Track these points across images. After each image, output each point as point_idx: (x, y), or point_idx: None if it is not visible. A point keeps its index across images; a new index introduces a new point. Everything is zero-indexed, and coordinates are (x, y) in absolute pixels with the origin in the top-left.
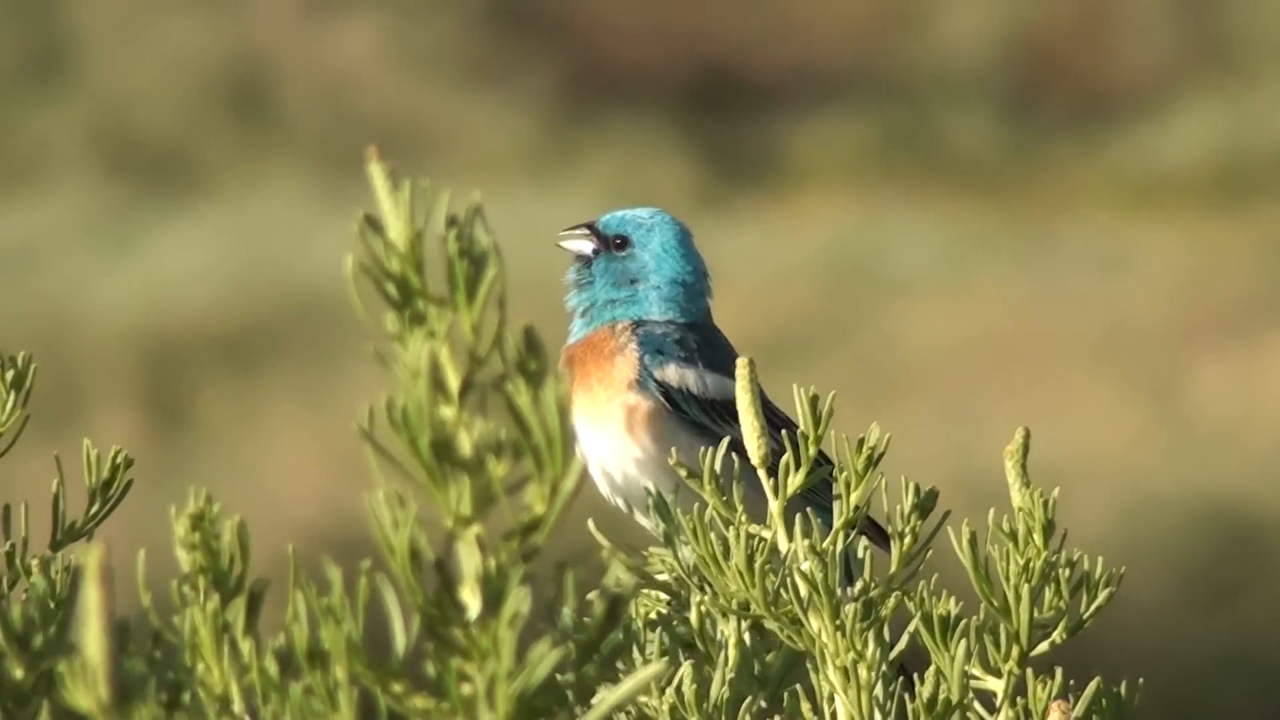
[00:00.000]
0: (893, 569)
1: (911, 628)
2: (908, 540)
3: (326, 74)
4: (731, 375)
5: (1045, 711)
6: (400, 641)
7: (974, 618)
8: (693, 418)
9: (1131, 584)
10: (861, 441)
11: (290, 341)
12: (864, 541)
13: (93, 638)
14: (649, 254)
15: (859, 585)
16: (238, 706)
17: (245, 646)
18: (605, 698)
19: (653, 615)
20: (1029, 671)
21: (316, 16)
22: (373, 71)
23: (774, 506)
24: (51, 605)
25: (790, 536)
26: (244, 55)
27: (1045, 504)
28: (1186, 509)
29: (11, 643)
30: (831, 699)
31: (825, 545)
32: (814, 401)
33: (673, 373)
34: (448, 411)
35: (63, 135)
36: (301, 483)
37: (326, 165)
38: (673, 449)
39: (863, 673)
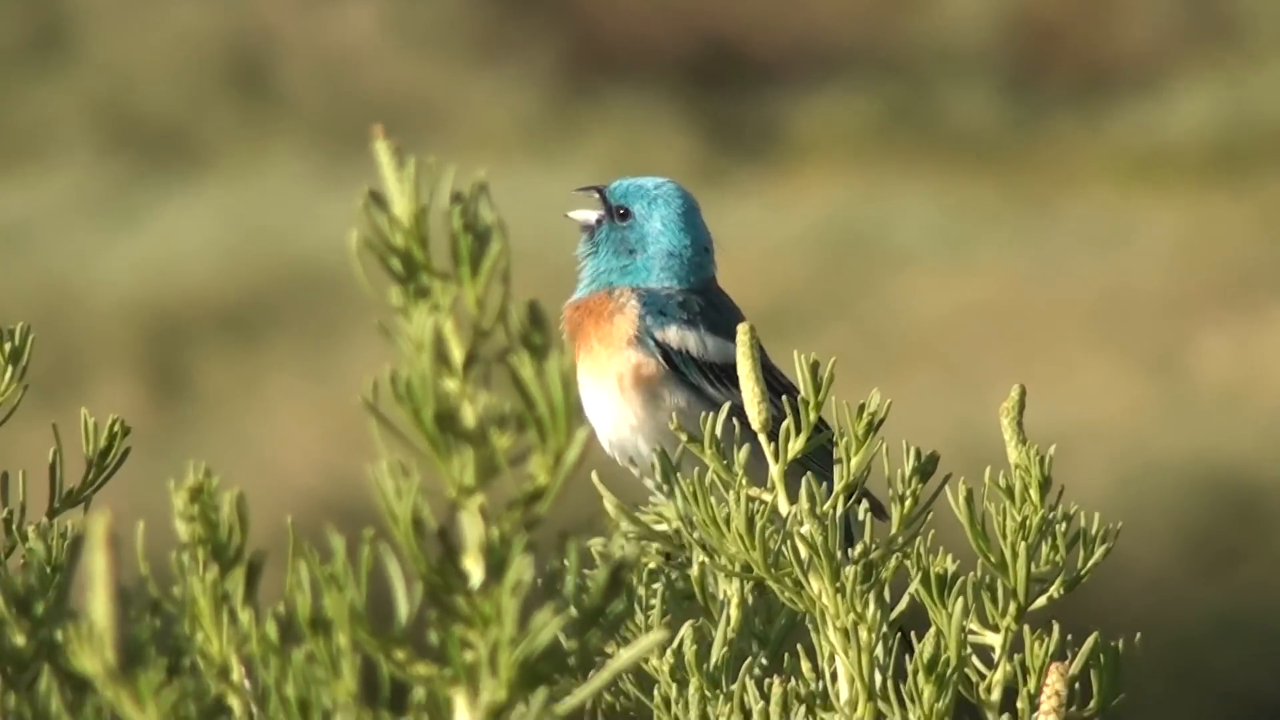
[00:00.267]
0: (893, 531)
1: (912, 588)
2: (908, 503)
3: (328, 49)
4: (734, 339)
5: (1043, 669)
6: (403, 609)
7: (971, 575)
8: (691, 380)
9: (1132, 549)
10: (862, 407)
11: (290, 314)
12: (864, 505)
13: (99, 603)
14: (649, 227)
15: (859, 548)
16: (236, 675)
17: (244, 616)
18: (609, 663)
19: (651, 566)
20: (1026, 628)
21: None
22: (374, 47)
23: (774, 471)
24: (49, 571)
25: (791, 500)
26: (245, 31)
27: (1041, 461)
28: (1187, 475)
29: (12, 608)
30: (832, 659)
31: (825, 508)
32: (814, 367)
33: (673, 334)
34: (451, 384)
35: (65, 111)
36: (301, 452)
37: (328, 140)
38: (672, 414)
39: (863, 634)
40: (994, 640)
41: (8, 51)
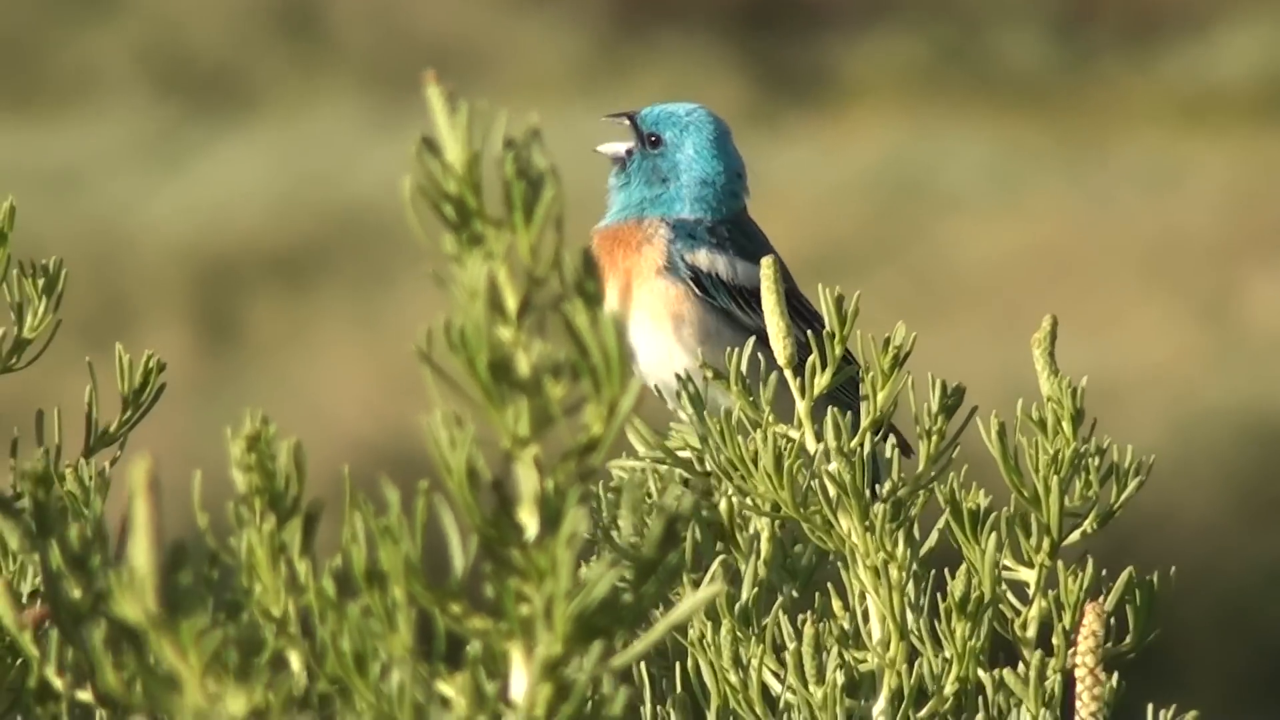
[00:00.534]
0: (920, 467)
1: (941, 523)
2: (934, 439)
3: None
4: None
5: (1078, 604)
6: (458, 562)
7: (1004, 510)
8: (720, 304)
9: (1182, 497)
10: (888, 341)
11: (339, 258)
12: (891, 440)
13: (140, 550)
14: (681, 154)
15: (887, 485)
16: (294, 628)
17: (302, 568)
18: (666, 615)
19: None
20: (1060, 564)
21: None
22: None
23: (801, 407)
24: (85, 513)
25: (818, 437)
26: None
27: (1074, 393)
28: (1238, 422)
29: (69, 562)
30: (863, 598)
31: (853, 445)
32: (839, 301)
33: (703, 257)
34: (505, 332)
35: (115, 55)
36: (351, 398)
37: (376, 83)
38: (698, 349)
39: (893, 572)
40: (1028, 576)
41: None
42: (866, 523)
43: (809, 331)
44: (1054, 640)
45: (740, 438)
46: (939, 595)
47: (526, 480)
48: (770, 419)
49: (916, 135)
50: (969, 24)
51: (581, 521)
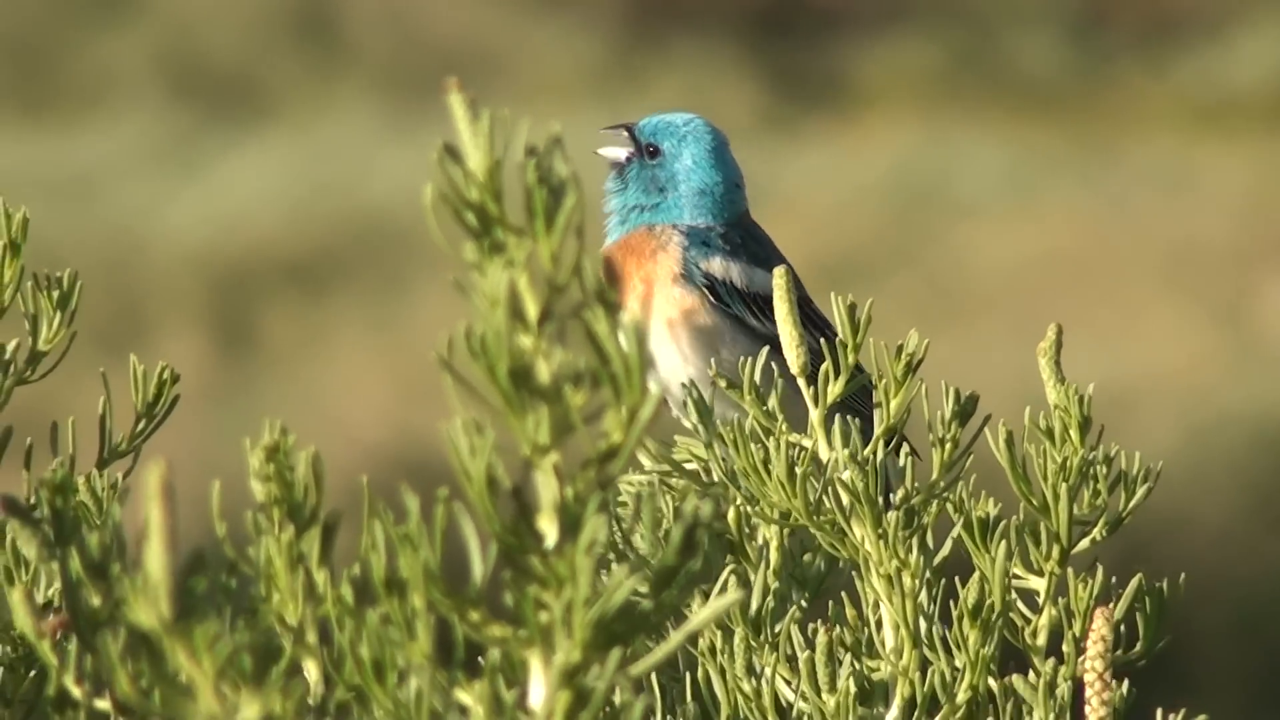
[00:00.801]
0: (934, 476)
1: (955, 533)
2: (948, 447)
3: None
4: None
5: (1088, 612)
6: (478, 569)
7: (1014, 518)
8: (735, 312)
9: (1198, 503)
10: (900, 348)
11: (355, 265)
12: (905, 449)
13: (154, 555)
14: (679, 165)
15: (900, 493)
16: (312, 637)
17: (320, 577)
18: (687, 622)
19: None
20: (1070, 572)
21: None
22: None
23: (814, 415)
24: (98, 523)
25: (831, 445)
26: None
27: (1081, 400)
28: (1254, 428)
29: (89, 570)
30: (876, 605)
31: (865, 454)
32: (852, 309)
33: (718, 265)
34: (526, 340)
35: (130, 60)
36: (366, 404)
37: (393, 89)
38: (711, 360)
39: (907, 580)
40: (1038, 584)
41: (74, 1)
42: (880, 531)
43: (822, 339)
44: (1064, 648)
45: (752, 445)
46: (950, 603)
47: (546, 488)
48: (783, 428)
49: (932, 140)
50: (984, 29)
51: (601, 529)
